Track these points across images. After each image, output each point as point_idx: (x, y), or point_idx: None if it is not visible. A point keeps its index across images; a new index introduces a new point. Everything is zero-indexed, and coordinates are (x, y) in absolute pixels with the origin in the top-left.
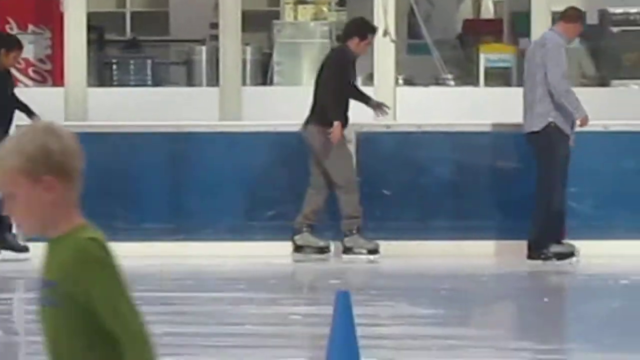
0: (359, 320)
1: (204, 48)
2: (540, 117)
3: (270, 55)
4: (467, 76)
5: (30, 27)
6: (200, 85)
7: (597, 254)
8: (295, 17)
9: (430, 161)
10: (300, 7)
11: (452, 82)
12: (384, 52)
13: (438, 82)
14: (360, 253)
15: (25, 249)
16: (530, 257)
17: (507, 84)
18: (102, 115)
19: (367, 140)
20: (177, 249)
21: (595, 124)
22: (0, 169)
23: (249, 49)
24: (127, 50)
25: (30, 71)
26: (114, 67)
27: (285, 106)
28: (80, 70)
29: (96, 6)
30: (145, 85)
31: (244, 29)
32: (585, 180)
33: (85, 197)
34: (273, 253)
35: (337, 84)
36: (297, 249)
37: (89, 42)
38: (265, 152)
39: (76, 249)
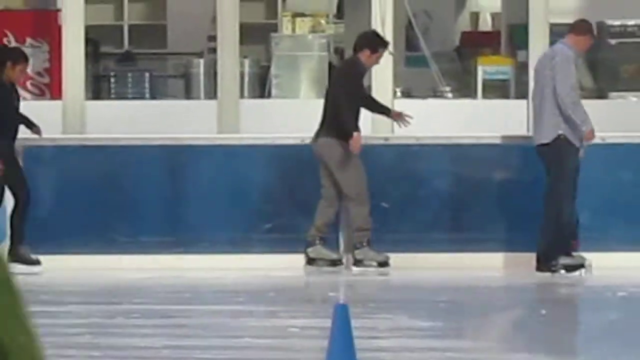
0: (358, 333)
1: (201, 61)
2: (550, 129)
3: (268, 67)
4: (465, 88)
5: (29, 40)
6: (198, 98)
7: (594, 266)
8: (293, 30)
9: (429, 173)
10: (298, 19)
11: (450, 95)
12: (381, 64)
13: (436, 94)
14: (371, 265)
15: (37, 262)
16: (538, 269)
17: (505, 96)
18: (100, 128)
19: (365, 152)
20: (175, 261)
21: None
22: None
23: (246, 61)
24: (125, 63)
25: (28, 84)
26: (112, 80)
27: (284, 119)
28: (78, 83)
29: (94, 19)
30: (143, 98)
31: (241, 42)
32: (583, 193)
33: (83, 210)
34: (271, 266)
35: (351, 96)
36: (310, 261)
37: (85, 55)
38: (264, 165)
39: None
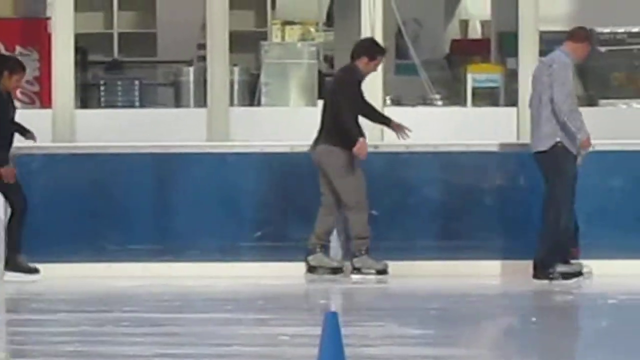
0: (348, 341)
1: (191, 69)
2: (548, 136)
3: (257, 75)
4: (454, 96)
5: (18, 48)
6: (187, 106)
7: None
8: (283, 38)
9: (419, 181)
10: (287, 27)
11: (439, 102)
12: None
13: (426, 102)
14: (369, 273)
15: (35, 271)
16: (536, 276)
17: (495, 103)
18: (90, 137)
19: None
20: (165, 269)
21: None
22: None
23: (236, 69)
24: (114, 71)
25: (18, 93)
26: (102, 88)
27: (273, 127)
28: (68, 92)
29: (84, 27)
30: (132, 106)
31: (231, 50)
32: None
33: (73, 218)
34: (261, 274)
35: (351, 103)
36: (311, 269)
37: (74, 63)
38: (253, 173)
39: None
